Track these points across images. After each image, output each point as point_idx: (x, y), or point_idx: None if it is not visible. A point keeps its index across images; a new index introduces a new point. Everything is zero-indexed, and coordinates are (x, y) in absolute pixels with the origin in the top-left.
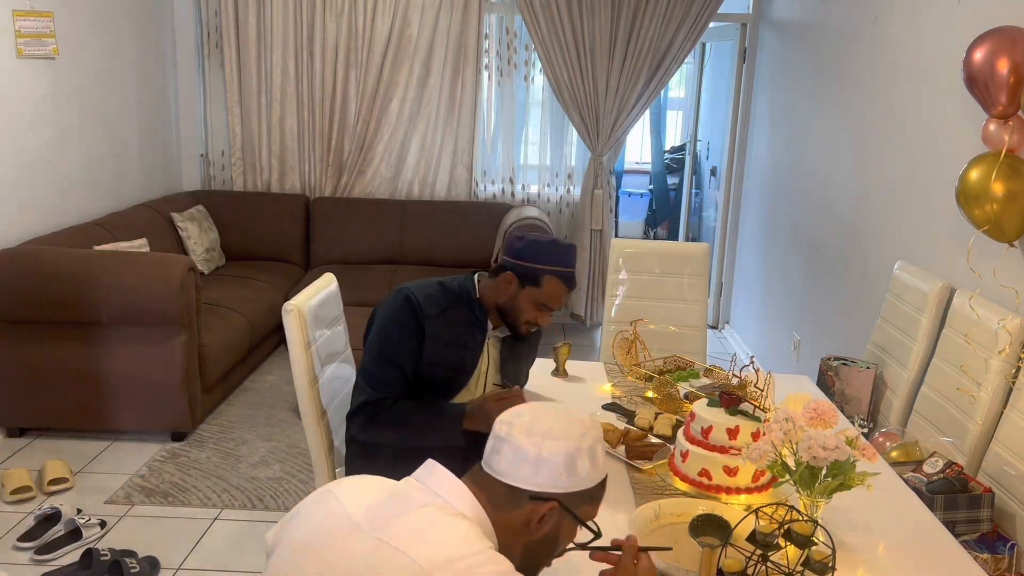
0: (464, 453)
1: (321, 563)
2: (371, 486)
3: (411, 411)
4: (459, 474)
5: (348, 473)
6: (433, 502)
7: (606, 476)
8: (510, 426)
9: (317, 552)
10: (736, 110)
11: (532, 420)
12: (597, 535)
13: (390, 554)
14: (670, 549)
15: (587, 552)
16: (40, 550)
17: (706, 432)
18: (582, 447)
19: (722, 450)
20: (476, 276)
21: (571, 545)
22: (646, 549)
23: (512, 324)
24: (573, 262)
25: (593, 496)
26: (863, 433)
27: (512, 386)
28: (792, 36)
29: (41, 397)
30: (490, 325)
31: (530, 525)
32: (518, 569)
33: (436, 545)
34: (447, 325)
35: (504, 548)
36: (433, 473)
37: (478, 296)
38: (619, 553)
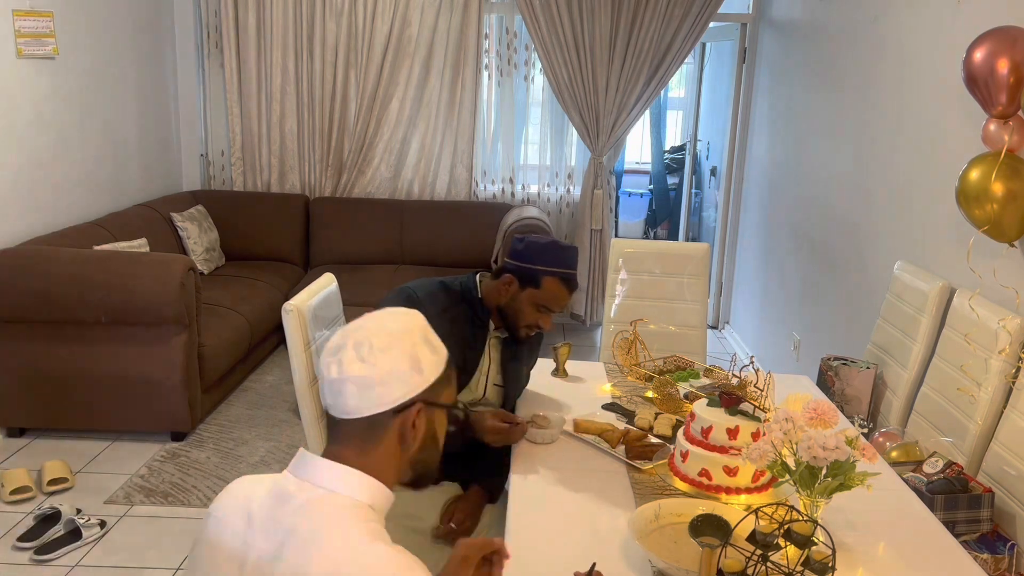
0: (463, 459)
1: None
2: (249, 492)
3: None
4: (465, 483)
5: None
6: (314, 495)
7: (447, 354)
8: (339, 363)
9: None
10: (736, 110)
11: (356, 345)
12: (465, 413)
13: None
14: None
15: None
16: (40, 550)
17: (706, 432)
18: (416, 341)
19: (722, 450)
20: (478, 276)
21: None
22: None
23: (512, 327)
24: (574, 263)
25: (447, 380)
26: (863, 433)
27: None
28: (792, 36)
29: (41, 397)
30: (492, 325)
31: (405, 438)
32: (413, 481)
33: (323, 551)
34: (449, 324)
35: (390, 475)
36: (305, 463)
37: (480, 296)
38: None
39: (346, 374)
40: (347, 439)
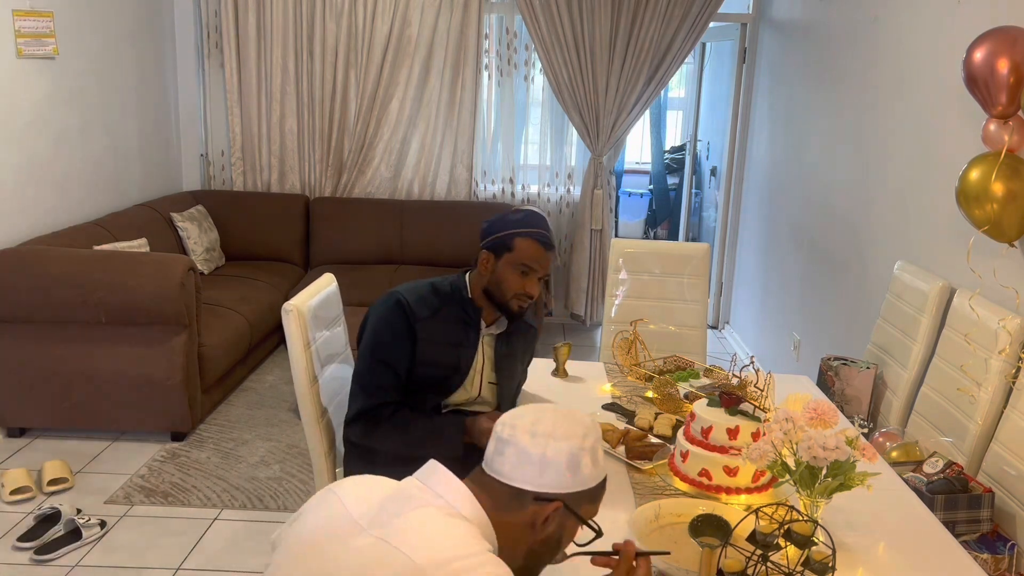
0: (462, 464)
1: (321, 560)
2: (374, 486)
3: (410, 423)
4: (460, 477)
5: (347, 474)
6: (434, 503)
7: (606, 476)
8: (513, 428)
9: (317, 550)
10: (736, 110)
11: (534, 421)
12: (599, 534)
13: (388, 552)
14: (668, 553)
15: (587, 556)
16: (40, 550)
17: (706, 432)
18: (585, 447)
19: (722, 450)
20: (467, 275)
21: (573, 547)
22: (644, 553)
23: (502, 303)
24: (542, 224)
25: (594, 496)
26: (863, 433)
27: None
28: (792, 36)
29: (41, 397)
30: (483, 324)
31: (535, 526)
32: (520, 571)
33: (434, 545)
34: (440, 326)
35: (506, 550)
36: (435, 474)
37: (471, 296)
38: (618, 558)
39: (513, 440)
40: (488, 489)
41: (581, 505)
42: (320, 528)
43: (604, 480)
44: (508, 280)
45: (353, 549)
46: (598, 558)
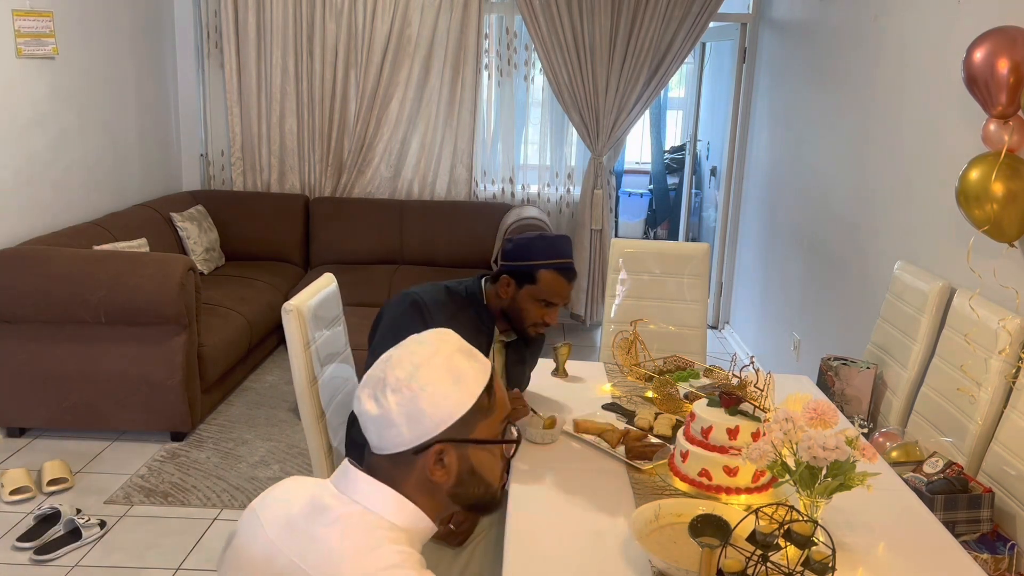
0: None
1: None
2: (292, 496)
3: None
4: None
5: None
6: (350, 510)
7: (490, 376)
8: (359, 400)
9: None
10: (736, 110)
11: (376, 381)
12: (517, 441)
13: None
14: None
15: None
16: (39, 550)
17: (706, 432)
18: (436, 377)
19: (722, 450)
20: (483, 281)
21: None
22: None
23: (519, 327)
24: (566, 252)
25: (481, 410)
26: (863, 433)
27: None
28: (792, 36)
29: (41, 397)
30: (496, 330)
31: (433, 477)
32: (465, 513)
33: (344, 565)
34: (454, 330)
35: (431, 509)
36: (347, 476)
37: (485, 302)
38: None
39: (362, 412)
40: (380, 471)
41: (471, 428)
42: (242, 555)
43: (488, 384)
44: (528, 311)
45: (271, 574)
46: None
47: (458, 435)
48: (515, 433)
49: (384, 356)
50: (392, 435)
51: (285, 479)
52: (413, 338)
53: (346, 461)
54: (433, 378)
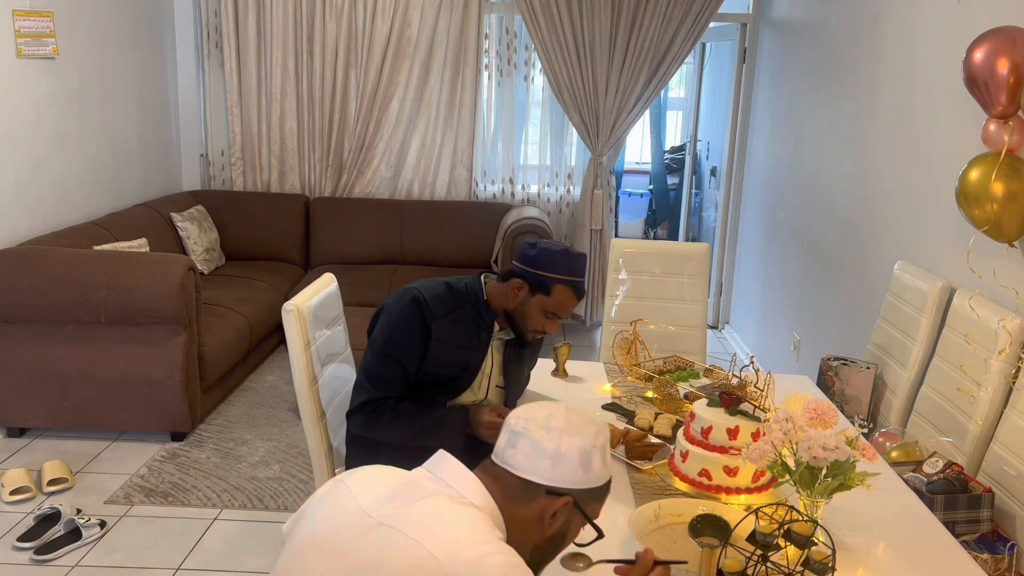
0: (465, 455)
1: (332, 551)
2: (382, 475)
3: (413, 414)
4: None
5: (349, 467)
6: (444, 491)
7: (611, 478)
8: (526, 421)
9: (328, 541)
10: (736, 110)
11: (548, 416)
12: (600, 535)
13: (402, 542)
14: (686, 563)
15: (610, 564)
16: (40, 550)
17: (706, 432)
18: (596, 445)
19: (722, 450)
20: (483, 278)
21: (575, 546)
22: (663, 563)
23: (519, 331)
24: (583, 271)
25: (600, 495)
26: (863, 433)
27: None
28: (792, 36)
29: (41, 397)
30: (496, 327)
31: (543, 520)
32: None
33: (447, 533)
34: (454, 326)
35: (513, 543)
36: (444, 463)
37: (485, 299)
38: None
39: (527, 432)
40: (498, 480)
41: (588, 503)
42: (330, 519)
43: (609, 482)
44: (533, 318)
45: (367, 539)
46: (620, 566)
47: (582, 501)
48: (600, 530)
49: (557, 403)
50: (543, 466)
51: (371, 466)
52: (588, 416)
53: (442, 451)
54: (597, 447)
